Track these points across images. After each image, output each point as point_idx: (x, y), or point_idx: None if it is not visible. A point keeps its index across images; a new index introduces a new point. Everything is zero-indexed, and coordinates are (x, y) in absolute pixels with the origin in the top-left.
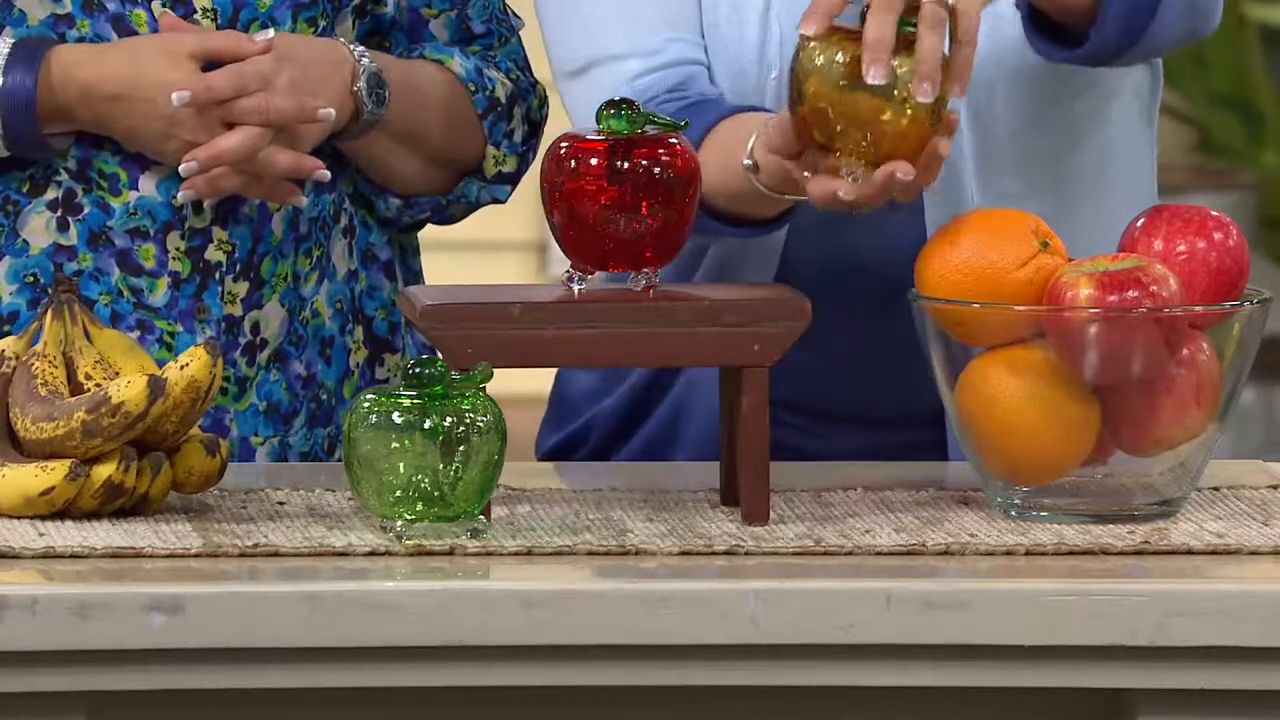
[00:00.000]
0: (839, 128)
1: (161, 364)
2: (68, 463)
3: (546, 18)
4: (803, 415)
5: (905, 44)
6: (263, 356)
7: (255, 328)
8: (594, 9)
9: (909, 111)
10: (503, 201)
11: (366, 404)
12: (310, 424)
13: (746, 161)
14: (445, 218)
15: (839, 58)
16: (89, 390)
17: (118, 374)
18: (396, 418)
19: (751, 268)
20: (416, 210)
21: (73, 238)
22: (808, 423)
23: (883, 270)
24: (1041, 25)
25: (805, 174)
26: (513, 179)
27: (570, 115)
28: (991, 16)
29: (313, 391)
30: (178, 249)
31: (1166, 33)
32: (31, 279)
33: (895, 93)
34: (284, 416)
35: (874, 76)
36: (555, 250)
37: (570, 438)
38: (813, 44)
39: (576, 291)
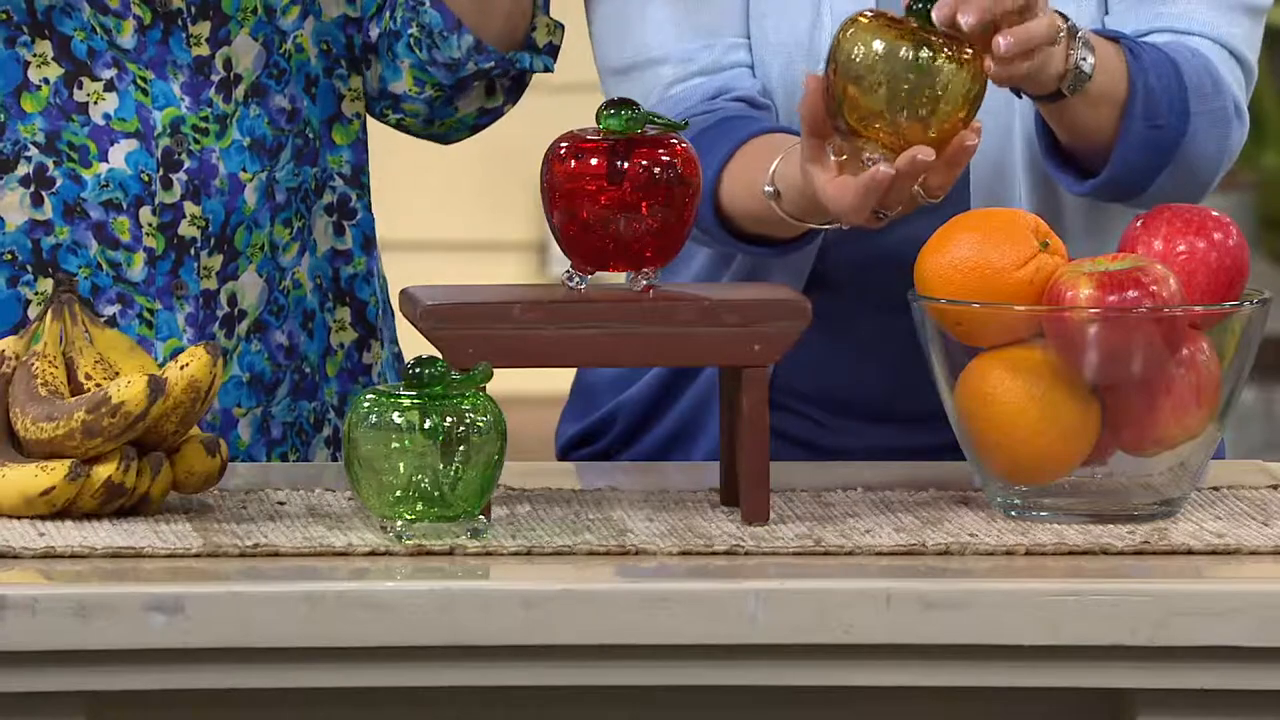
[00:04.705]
0: (873, 109)
1: (143, 340)
2: (68, 463)
3: (594, 14)
4: (826, 410)
5: (954, 44)
6: (241, 328)
7: (232, 299)
8: (636, 9)
9: (944, 105)
10: (551, 71)
11: (366, 404)
12: (294, 395)
13: (768, 188)
14: (483, 111)
15: (880, 42)
16: (89, 390)
17: (118, 374)
18: (396, 418)
19: (784, 274)
20: (484, 58)
21: (47, 211)
22: (828, 417)
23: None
24: (1058, 155)
25: (832, 156)
26: (555, 53)
27: None
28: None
29: (295, 362)
30: (150, 224)
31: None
32: (9, 257)
33: (937, 82)
34: (266, 387)
35: (966, 19)
36: (555, 250)
37: (592, 427)
38: (861, 23)
39: (576, 291)
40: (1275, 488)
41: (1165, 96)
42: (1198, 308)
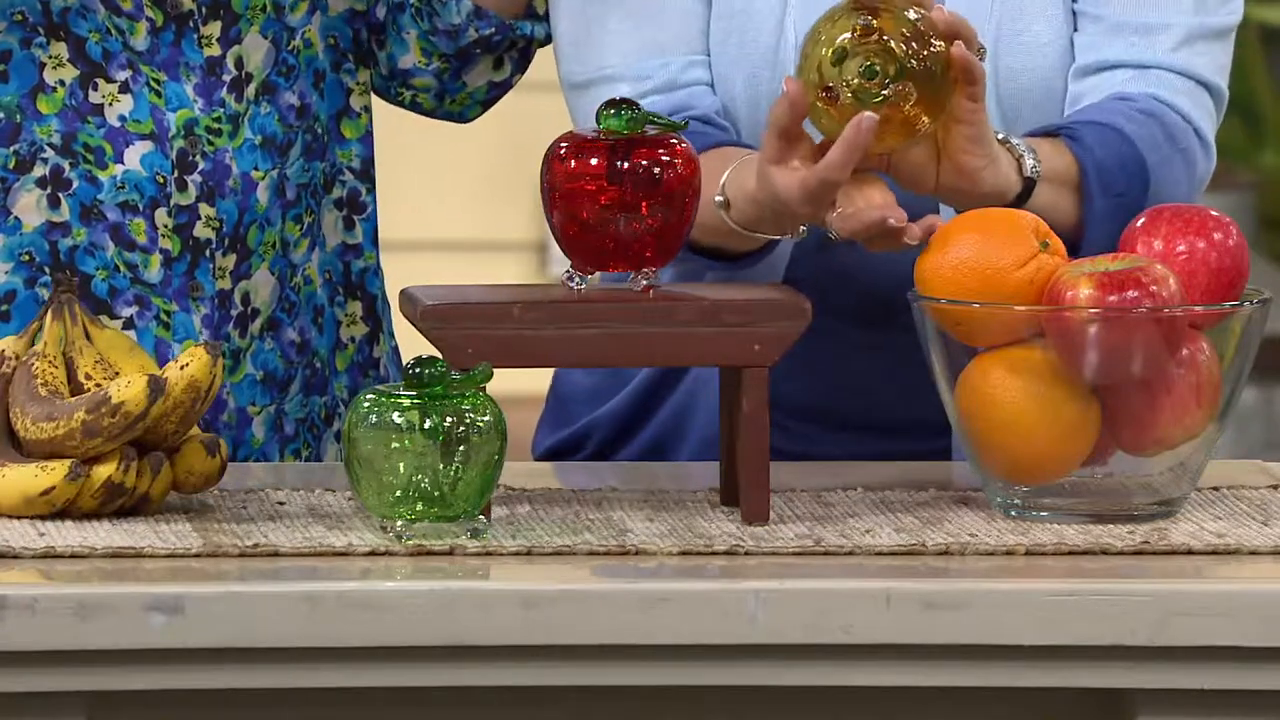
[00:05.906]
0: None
1: (159, 342)
2: (68, 463)
3: (557, 27)
4: (809, 422)
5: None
6: (255, 326)
7: (245, 298)
8: (596, 26)
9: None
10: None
11: (366, 404)
12: (306, 390)
13: (718, 198)
14: (489, 83)
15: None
16: (89, 390)
17: (118, 374)
18: (396, 418)
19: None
20: (484, 24)
21: (64, 213)
22: (814, 430)
23: (892, 277)
24: None
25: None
26: None
27: (574, 125)
28: (1026, 48)
29: (306, 358)
30: (166, 226)
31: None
32: (27, 257)
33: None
34: (280, 384)
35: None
36: (555, 250)
37: (568, 440)
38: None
39: (576, 291)
40: (1275, 488)
41: (1118, 166)
42: (1198, 308)
